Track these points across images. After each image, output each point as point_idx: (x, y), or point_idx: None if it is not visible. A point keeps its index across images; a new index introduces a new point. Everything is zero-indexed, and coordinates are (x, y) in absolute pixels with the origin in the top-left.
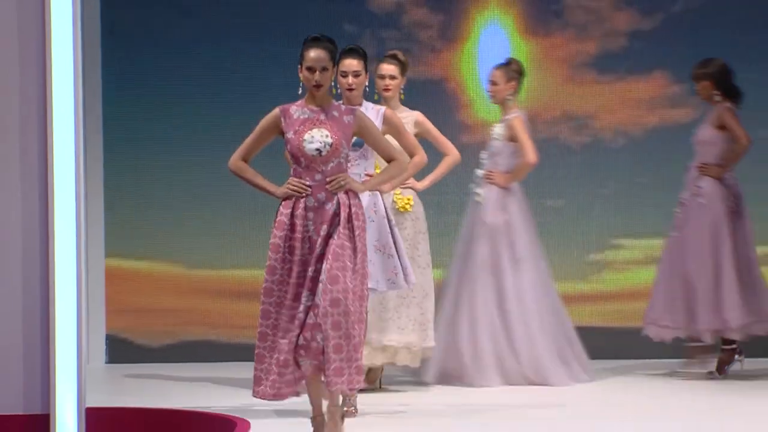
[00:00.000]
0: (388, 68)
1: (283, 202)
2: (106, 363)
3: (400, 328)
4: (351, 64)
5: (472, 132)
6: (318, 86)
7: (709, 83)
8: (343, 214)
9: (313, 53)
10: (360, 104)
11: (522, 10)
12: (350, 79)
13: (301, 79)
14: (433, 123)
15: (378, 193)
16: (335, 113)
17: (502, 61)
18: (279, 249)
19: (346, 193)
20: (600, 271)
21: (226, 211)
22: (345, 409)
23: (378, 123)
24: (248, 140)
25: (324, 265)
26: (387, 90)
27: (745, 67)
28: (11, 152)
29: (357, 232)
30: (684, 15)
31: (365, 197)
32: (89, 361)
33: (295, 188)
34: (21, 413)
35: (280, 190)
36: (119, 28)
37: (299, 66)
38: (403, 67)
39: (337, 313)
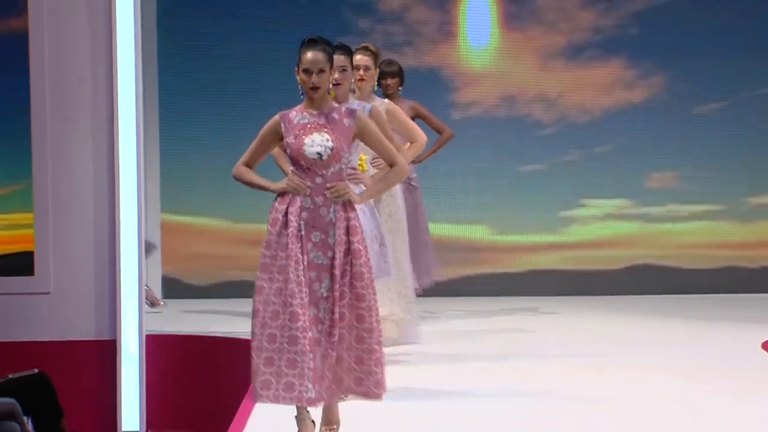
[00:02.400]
0: (362, 59)
1: (278, 198)
2: (162, 297)
3: (388, 299)
4: (337, 59)
5: (462, 110)
6: (315, 88)
7: (398, 80)
8: (341, 228)
9: (310, 55)
10: (347, 100)
11: (503, 9)
12: (336, 75)
13: (298, 81)
14: (429, 104)
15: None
16: (335, 116)
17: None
18: (271, 246)
19: (343, 203)
20: (567, 225)
21: (266, 173)
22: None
23: None
24: (251, 148)
25: (343, 286)
26: (362, 80)
27: (682, 59)
28: (85, 124)
29: (356, 247)
30: (637, 14)
31: (354, 188)
32: None
33: (295, 185)
34: (93, 338)
35: (277, 185)
36: (174, 26)
37: (296, 68)
38: (375, 57)
39: (361, 329)
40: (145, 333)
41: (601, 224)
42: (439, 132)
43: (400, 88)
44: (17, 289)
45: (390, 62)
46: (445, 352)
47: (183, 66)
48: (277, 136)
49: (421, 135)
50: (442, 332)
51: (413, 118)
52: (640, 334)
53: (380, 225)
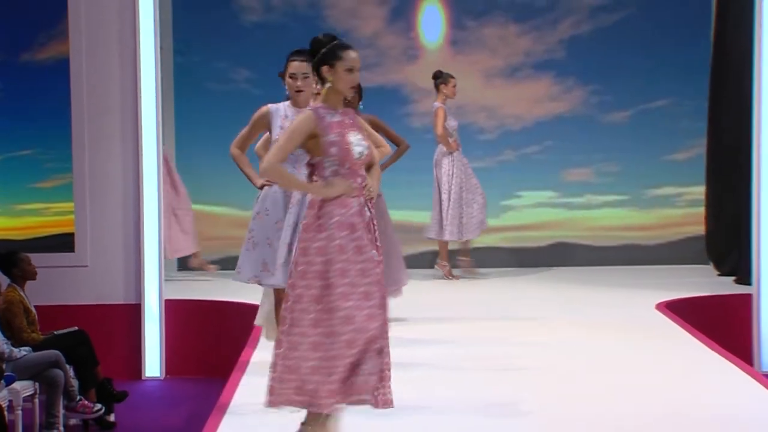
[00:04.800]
0: (301, 66)
1: (332, 202)
2: (177, 270)
3: None
4: (300, 66)
5: (421, 118)
6: (299, 91)
7: (357, 96)
8: (371, 225)
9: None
10: (308, 106)
11: (453, 37)
12: (299, 82)
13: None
14: (394, 113)
15: None
16: (350, 117)
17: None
18: (345, 250)
19: (368, 202)
20: (505, 211)
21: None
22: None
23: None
24: (283, 146)
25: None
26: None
27: (596, 78)
28: (114, 132)
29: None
30: (561, 41)
31: (294, 198)
32: (165, 268)
33: (348, 187)
34: (122, 302)
35: (335, 191)
36: (189, 49)
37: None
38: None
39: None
40: (164, 298)
41: (532, 211)
42: (397, 144)
43: (360, 104)
44: (61, 263)
45: None
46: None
47: (196, 81)
48: (310, 134)
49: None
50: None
51: None
52: (560, 297)
53: None
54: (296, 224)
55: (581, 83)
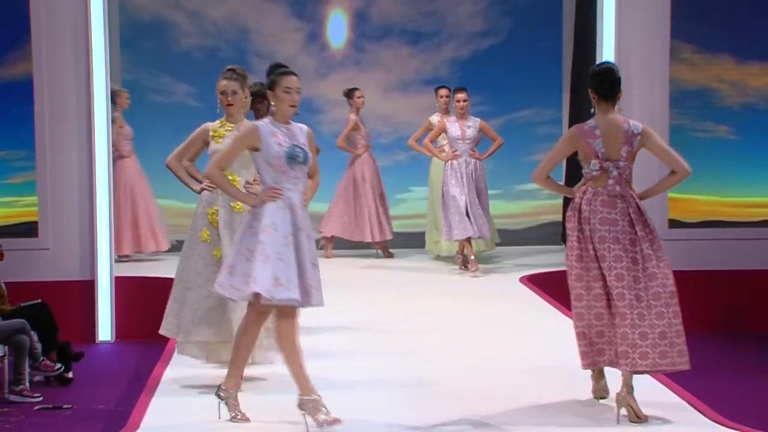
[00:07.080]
0: (229, 84)
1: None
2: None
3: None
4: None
5: (330, 125)
6: (230, 105)
7: (266, 102)
8: None
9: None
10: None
11: (356, 57)
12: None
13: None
14: (308, 121)
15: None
16: None
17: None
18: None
19: None
20: (399, 203)
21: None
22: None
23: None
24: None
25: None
26: (230, 105)
27: (474, 92)
28: (72, 136)
29: None
30: (444, 61)
31: (297, 215)
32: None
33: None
34: (78, 279)
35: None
36: (134, 68)
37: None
38: (243, 80)
39: None
40: (114, 275)
41: (421, 203)
42: None
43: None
44: (26, 247)
45: (256, 84)
46: None
47: (143, 94)
48: None
49: None
50: None
51: None
52: (443, 272)
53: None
54: (299, 240)
55: None
